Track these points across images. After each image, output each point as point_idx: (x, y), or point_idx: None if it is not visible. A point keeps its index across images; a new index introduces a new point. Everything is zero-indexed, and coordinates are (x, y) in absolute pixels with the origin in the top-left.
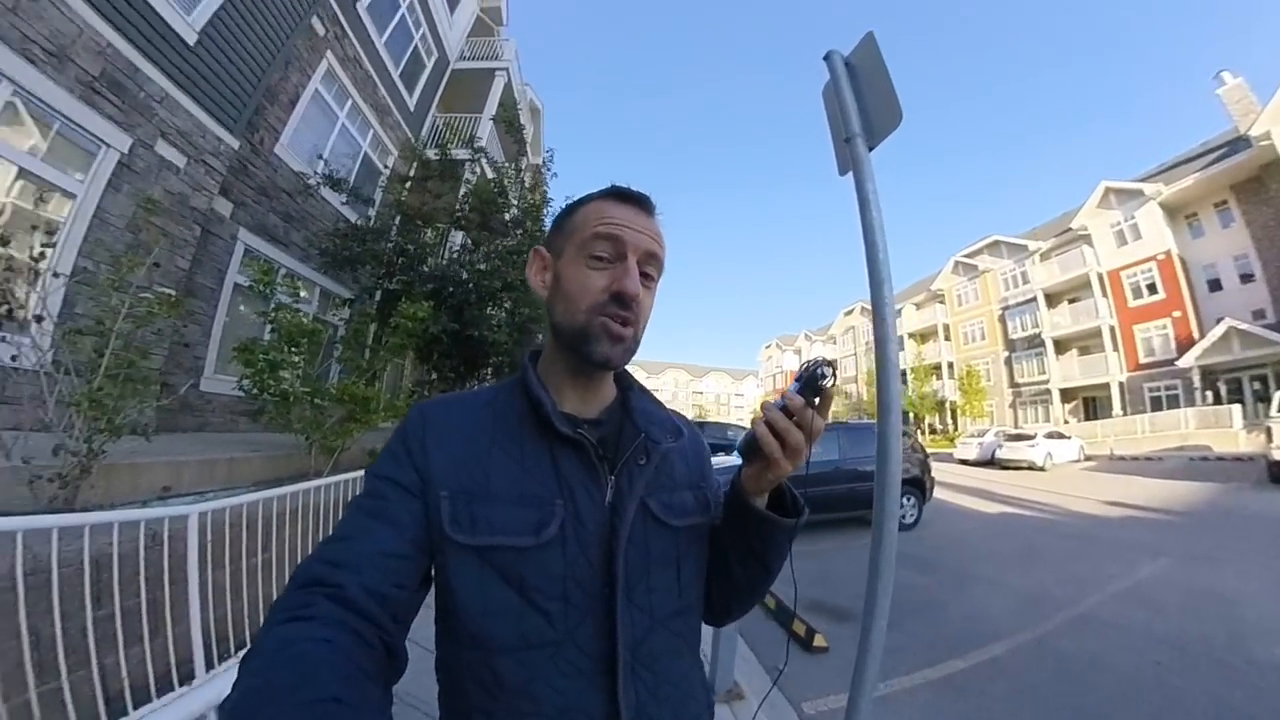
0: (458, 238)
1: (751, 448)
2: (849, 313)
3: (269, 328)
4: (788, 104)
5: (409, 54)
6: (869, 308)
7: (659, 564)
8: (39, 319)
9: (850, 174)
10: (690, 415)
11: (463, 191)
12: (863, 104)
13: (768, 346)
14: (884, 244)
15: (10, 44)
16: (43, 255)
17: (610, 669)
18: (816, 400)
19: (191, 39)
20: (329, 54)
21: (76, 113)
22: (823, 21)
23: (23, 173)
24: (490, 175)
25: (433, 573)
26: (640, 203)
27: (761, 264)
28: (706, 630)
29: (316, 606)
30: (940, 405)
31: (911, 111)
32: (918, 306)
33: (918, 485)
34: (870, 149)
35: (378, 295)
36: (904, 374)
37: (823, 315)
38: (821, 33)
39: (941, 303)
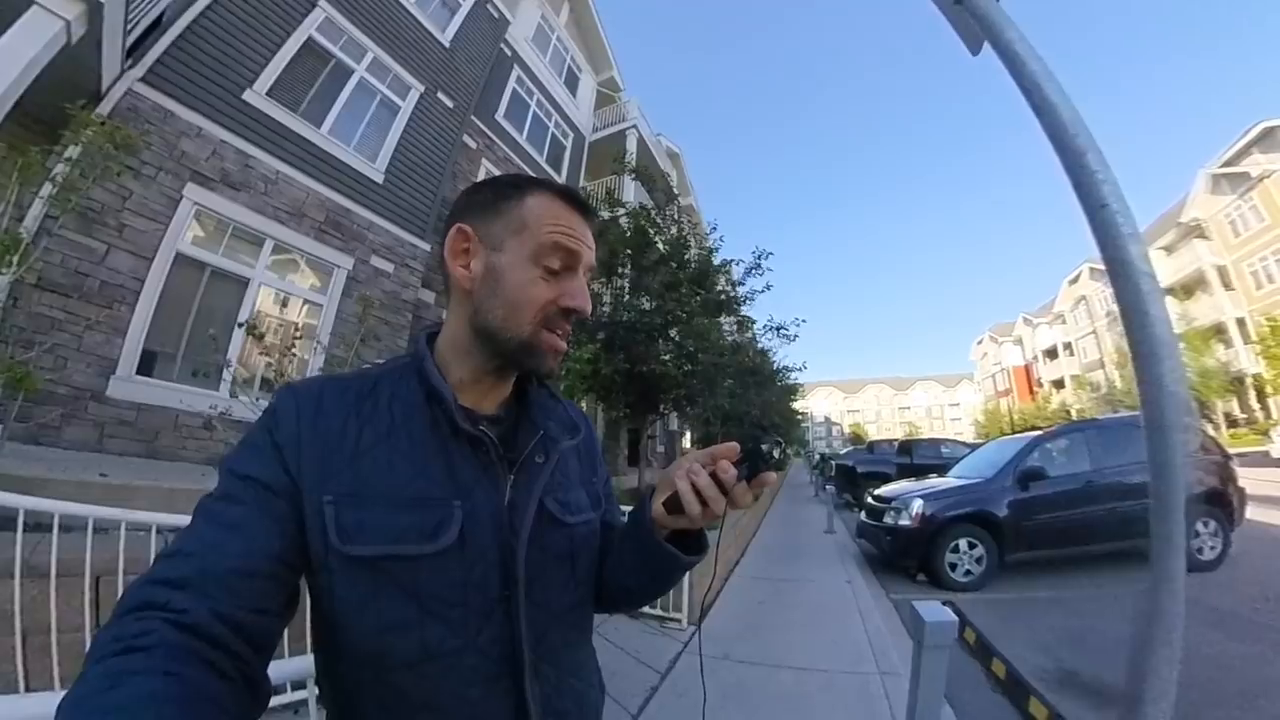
0: (619, 283)
1: (674, 501)
2: (1073, 280)
3: None
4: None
5: (549, 141)
6: (1099, 267)
7: (555, 561)
8: None
9: (986, 46)
10: (899, 434)
11: (612, 239)
12: None
13: (979, 342)
14: (1076, 115)
15: (266, 214)
16: (294, 344)
17: (514, 670)
18: (753, 473)
19: (380, 179)
20: (484, 160)
21: (315, 249)
22: None
23: (302, 299)
24: (627, 223)
25: (308, 587)
26: (589, 212)
27: (954, 248)
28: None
29: (156, 634)
30: (1237, 384)
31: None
32: (1168, 250)
33: (1218, 502)
34: None
35: None
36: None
37: (1041, 291)
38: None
39: (1203, 238)
